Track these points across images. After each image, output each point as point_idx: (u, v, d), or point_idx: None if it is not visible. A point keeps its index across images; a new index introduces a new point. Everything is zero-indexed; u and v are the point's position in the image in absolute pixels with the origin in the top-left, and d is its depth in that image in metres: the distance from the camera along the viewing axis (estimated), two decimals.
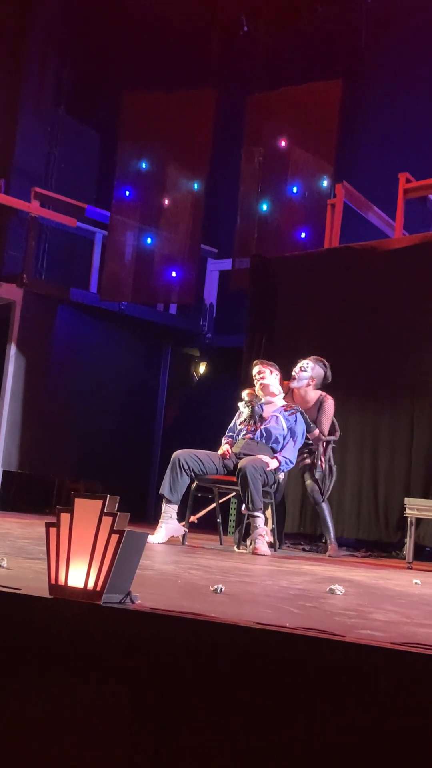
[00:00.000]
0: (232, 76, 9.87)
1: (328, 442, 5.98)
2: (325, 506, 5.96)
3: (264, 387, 5.61)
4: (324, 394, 5.98)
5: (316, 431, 5.84)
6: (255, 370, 5.70)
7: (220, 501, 5.83)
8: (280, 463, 5.35)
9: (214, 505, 5.81)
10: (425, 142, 8.59)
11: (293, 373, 5.95)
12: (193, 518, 5.62)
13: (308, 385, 5.95)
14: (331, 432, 5.98)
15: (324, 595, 2.77)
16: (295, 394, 5.98)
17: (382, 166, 8.69)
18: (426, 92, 9.03)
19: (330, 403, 5.95)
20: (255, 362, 5.79)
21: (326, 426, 5.92)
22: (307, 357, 6.02)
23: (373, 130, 9.47)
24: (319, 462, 5.91)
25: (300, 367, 5.94)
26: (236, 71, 9.98)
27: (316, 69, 9.25)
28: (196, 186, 9.74)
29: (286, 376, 5.98)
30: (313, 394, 5.98)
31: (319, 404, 5.94)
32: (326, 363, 6.03)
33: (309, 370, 5.92)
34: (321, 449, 5.93)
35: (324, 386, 6.05)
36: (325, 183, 8.89)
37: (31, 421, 9.14)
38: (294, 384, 5.94)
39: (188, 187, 9.78)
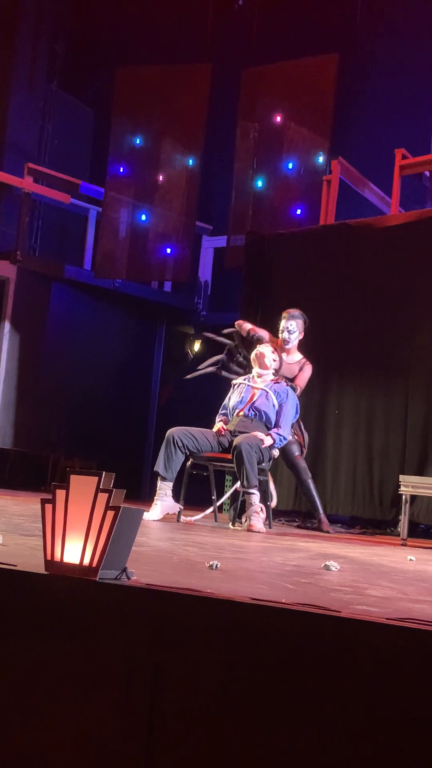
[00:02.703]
0: (227, 51, 9.76)
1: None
2: (309, 483, 6.01)
3: (260, 357, 5.63)
4: (305, 360, 6.05)
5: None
6: (256, 361, 5.67)
7: (218, 503, 5.88)
8: (274, 440, 5.35)
9: (221, 501, 5.86)
10: (422, 117, 8.52)
11: (283, 338, 6.00)
12: (192, 521, 5.55)
13: (298, 340, 6.04)
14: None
15: (319, 571, 2.78)
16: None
17: (378, 142, 8.63)
18: (422, 67, 8.95)
19: (310, 368, 6.02)
20: (257, 355, 5.69)
21: (303, 384, 5.98)
22: (283, 316, 6.04)
23: (369, 105, 9.39)
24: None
25: (287, 330, 5.98)
26: (231, 46, 9.88)
27: (311, 43, 9.15)
28: (190, 162, 9.66)
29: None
30: (296, 356, 6.06)
31: (300, 366, 6.01)
32: (300, 312, 6.07)
33: (295, 329, 6.00)
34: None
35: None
36: (320, 159, 8.83)
37: (25, 399, 9.12)
38: (288, 346, 6.01)
39: (183, 163, 9.71)
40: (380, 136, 8.78)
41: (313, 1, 9.65)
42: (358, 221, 7.21)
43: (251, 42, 9.82)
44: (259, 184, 9.21)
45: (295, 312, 6.02)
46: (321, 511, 6.05)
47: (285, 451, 5.88)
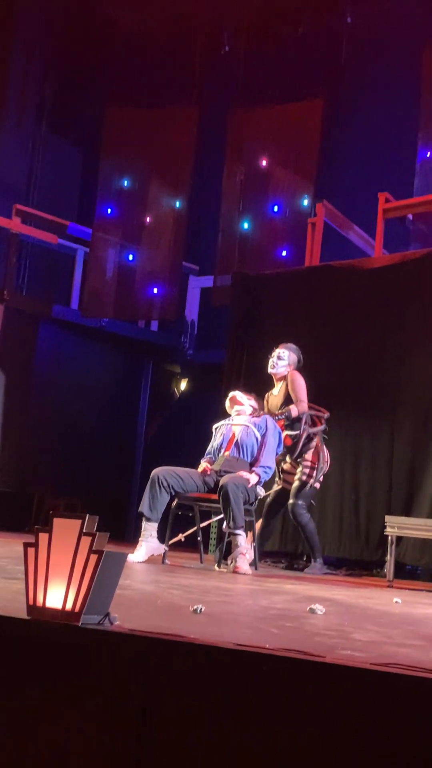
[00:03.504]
0: (213, 95, 9.93)
1: (313, 418, 6.00)
2: (309, 526, 5.94)
3: (233, 399, 5.74)
4: (286, 372, 6.05)
5: (294, 410, 5.82)
6: (230, 405, 5.73)
7: (203, 525, 5.81)
8: (259, 476, 5.33)
9: (206, 523, 5.80)
10: (405, 161, 8.67)
11: (271, 363, 6.07)
12: (180, 536, 5.57)
13: (286, 371, 6.08)
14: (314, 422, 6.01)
15: (305, 614, 2.76)
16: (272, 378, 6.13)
17: (362, 186, 8.76)
18: (406, 112, 9.12)
19: (297, 375, 5.99)
20: (230, 398, 5.76)
21: (302, 395, 5.91)
22: (281, 346, 6.13)
23: (353, 149, 9.55)
24: (301, 441, 5.89)
25: (277, 356, 6.08)
26: (218, 90, 10.05)
27: (297, 88, 9.33)
28: (177, 204, 9.77)
29: (266, 389, 6.10)
30: (284, 374, 6.08)
31: (285, 378, 6.02)
32: (296, 347, 6.17)
33: (285, 357, 6.08)
34: (302, 424, 5.90)
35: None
36: (305, 202, 8.95)
37: (11, 438, 9.08)
38: (272, 370, 6.07)
39: (170, 204, 9.82)
40: (364, 179, 8.92)
41: (298, 47, 9.86)
42: (342, 263, 7.29)
43: (238, 86, 10.00)
44: (246, 225, 9.32)
45: (291, 345, 6.13)
46: (318, 557, 6.00)
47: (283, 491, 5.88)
